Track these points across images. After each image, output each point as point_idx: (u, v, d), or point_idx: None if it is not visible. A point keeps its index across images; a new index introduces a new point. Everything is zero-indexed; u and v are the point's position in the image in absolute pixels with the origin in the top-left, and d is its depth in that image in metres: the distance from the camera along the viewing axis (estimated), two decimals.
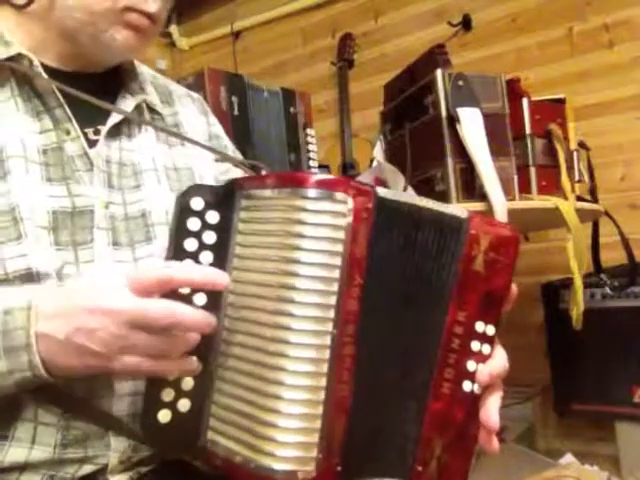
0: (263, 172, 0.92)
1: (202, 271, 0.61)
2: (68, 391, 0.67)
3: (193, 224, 0.65)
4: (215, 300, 0.63)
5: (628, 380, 1.79)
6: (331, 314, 0.59)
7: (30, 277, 0.67)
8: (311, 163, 1.77)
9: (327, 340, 0.59)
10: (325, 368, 0.59)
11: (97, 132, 0.77)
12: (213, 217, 0.65)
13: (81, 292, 0.61)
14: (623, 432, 1.82)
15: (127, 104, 0.81)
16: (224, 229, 0.65)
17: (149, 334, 0.57)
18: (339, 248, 0.59)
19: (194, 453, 0.66)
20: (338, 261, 0.59)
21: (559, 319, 1.88)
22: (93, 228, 0.72)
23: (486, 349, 0.68)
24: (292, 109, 1.72)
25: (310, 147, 1.77)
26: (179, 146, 0.85)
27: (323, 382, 0.59)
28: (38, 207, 0.69)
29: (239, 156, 0.98)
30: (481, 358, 0.67)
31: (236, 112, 1.59)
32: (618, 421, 1.83)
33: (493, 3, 2.33)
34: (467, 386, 0.67)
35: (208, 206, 0.66)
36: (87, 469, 0.69)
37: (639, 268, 1.69)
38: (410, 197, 0.66)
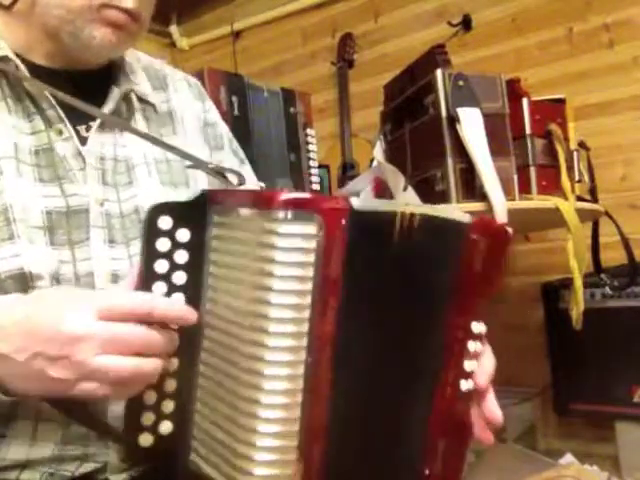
0: (233, 178, 0.89)
1: (174, 307, 0.60)
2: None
3: (162, 245, 0.61)
4: (191, 326, 0.61)
5: (628, 380, 1.79)
6: (304, 342, 0.56)
7: (23, 277, 0.67)
8: (311, 163, 1.77)
9: (300, 370, 0.56)
10: (299, 398, 0.56)
11: (89, 129, 0.77)
12: (184, 235, 0.61)
13: (46, 314, 0.57)
14: (623, 432, 1.82)
15: (115, 98, 0.80)
16: (196, 247, 0.62)
17: (117, 360, 0.55)
18: (310, 272, 0.56)
19: (178, 473, 0.65)
20: (309, 286, 0.56)
21: (559, 319, 1.88)
22: (89, 227, 0.72)
23: (479, 347, 0.68)
24: (292, 109, 1.72)
25: (310, 147, 1.77)
26: (172, 135, 0.84)
27: (297, 413, 0.57)
28: (32, 207, 0.69)
29: (235, 143, 0.97)
30: (475, 356, 0.68)
31: (236, 112, 1.59)
32: (618, 421, 1.83)
33: (493, 3, 2.32)
34: (464, 385, 0.67)
35: (177, 224, 0.61)
36: (87, 467, 0.69)
37: (639, 268, 1.69)
38: (395, 204, 0.62)
